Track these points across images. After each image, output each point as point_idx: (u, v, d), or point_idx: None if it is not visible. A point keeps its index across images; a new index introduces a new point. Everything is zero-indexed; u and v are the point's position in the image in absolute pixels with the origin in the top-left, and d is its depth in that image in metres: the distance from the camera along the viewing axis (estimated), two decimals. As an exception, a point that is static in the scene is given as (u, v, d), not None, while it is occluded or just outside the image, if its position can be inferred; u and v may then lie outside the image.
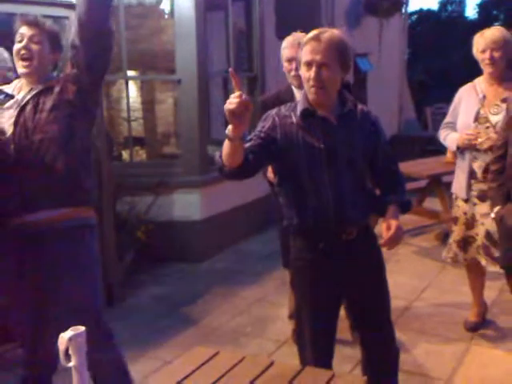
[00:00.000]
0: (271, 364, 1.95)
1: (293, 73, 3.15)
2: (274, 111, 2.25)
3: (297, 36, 3.17)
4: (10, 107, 2.34)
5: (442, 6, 18.26)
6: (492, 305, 3.80)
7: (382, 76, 9.34)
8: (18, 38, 2.35)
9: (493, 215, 2.80)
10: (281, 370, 1.90)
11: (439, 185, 5.18)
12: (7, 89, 2.43)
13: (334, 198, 2.16)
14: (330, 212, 2.16)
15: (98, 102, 2.50)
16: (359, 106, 2.27)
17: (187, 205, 4.93)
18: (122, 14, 4.74)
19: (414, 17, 14.44)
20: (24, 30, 2.34)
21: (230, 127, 1.87)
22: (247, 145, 2.06)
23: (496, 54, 3.10)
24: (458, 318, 3.69)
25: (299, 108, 2.19)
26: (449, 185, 5.62)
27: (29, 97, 2.33)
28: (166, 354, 3.30)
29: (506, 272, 2.90)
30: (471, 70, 3.50)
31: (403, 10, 9.94)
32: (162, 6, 6.25)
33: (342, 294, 2.33)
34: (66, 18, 3.75)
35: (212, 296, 4.27)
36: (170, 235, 4.81)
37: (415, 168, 5.20)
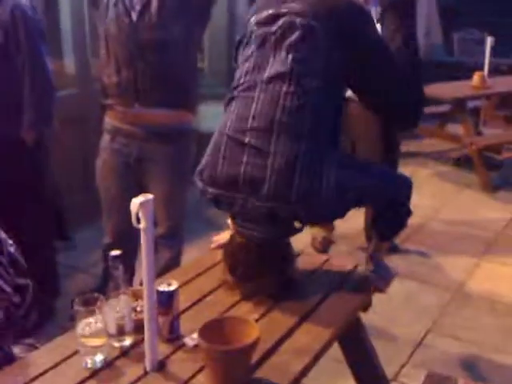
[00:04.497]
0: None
1: None
2: None
3: None
4: None
5: None
6: (506, 226, 3.93)
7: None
8: None
9: None
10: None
11: (463, 109, 5.11)
12: None
13: None
14: None
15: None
16: None
17: (215, 116, 4.97)
18: None
19: None
20: None
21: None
22: None
23: None
24: (471, 236, 3.84)
25: None
26: (473, 111, 5.59)
27: None
28: (197, 252, 3.47)
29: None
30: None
31: None
32: None
33: None
34: None
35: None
36: (197, 146, 4.90)
37: (439, 90, 4.98)
